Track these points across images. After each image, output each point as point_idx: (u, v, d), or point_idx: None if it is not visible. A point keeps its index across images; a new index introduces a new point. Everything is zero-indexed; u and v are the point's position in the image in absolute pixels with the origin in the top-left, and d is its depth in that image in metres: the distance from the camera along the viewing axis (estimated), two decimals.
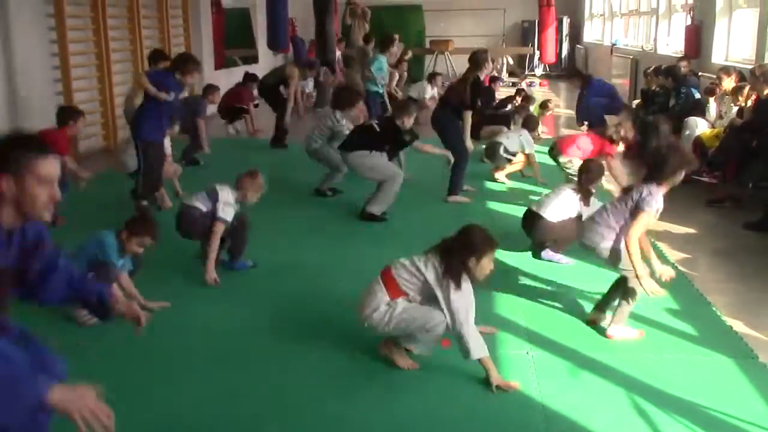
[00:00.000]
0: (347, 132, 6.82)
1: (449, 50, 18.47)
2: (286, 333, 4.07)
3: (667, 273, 4.08)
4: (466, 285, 3.44)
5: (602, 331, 4.04)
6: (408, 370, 3.60)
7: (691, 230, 5.99)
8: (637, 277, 3.81)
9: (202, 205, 4.92)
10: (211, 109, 9.44)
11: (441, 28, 20.00)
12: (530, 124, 8.06)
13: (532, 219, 5.18)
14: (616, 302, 4.04)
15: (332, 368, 3.67)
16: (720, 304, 4.44)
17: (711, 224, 6.20)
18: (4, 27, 7.71)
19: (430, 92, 11.80)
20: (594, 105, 10.30)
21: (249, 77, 10.95)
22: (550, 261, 5.17)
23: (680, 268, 5.07)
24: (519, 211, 6.44)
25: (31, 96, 8.03)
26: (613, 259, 3.98)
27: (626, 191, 4.03)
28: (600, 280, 4.46)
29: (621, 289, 4.03)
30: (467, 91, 6.66)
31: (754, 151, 6.65)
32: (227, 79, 12.13)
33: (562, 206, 5.06)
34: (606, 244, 3.97)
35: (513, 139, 7.79)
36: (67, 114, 6.28)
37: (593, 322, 4.15)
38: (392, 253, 4.07)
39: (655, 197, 3.84)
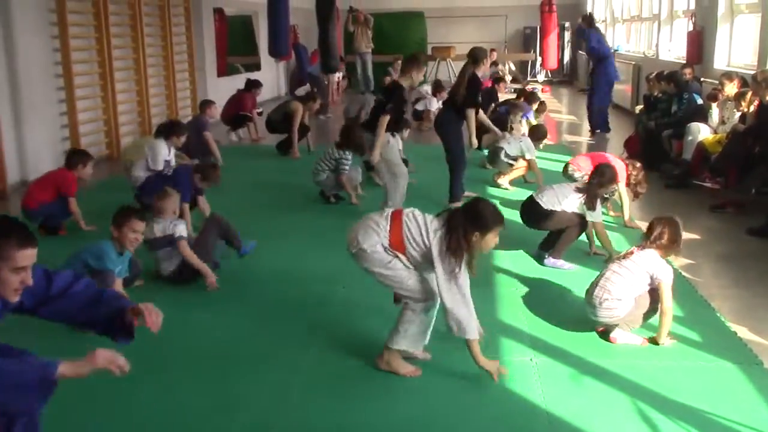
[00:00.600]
0: (347, 168, 7.00)
1: (451, 57, 18.49)
2: (287, 339, 4.06)
3: None
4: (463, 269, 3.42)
5: (607, 336, 4.04)
6: (410, 377, 3.59)
7: (695, 236, 5.98)
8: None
9: (179, 248, 4.87)
10: (212, 122, 9.45)
11: (443, 35, 20.05)
12: (537, 133, 8.08)
13: (530, 207, 5.24)
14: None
15: (334, 374, 3.66)
16: (724, 309, 4.43)
17: (714, 230, 6.19)
18: (8, 35, 7.74)
19: (436, 105, 11.81)
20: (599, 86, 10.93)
21: (251, 83, 10.98)
22: (554, 267, 5.16)
23: (684, 273, 5.06)
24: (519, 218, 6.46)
25: (34, 103, 8.05)
26: (631, 322, 3.99)
27: (625, 258, 4.01)
28: None
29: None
30: (463, 86, 6.62)
31: (757, 156, 6.64)
32: (229, 86, 12.17)
33: (560, 197, 5.09)
34: (624, 312, 3.93)
35: (514, 144, 7.80)
36: (78, 157, 6.32)
37: (598, 330, 4.14)
38: None
39: (662, 264, 3.92)
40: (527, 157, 7.68)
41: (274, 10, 12.02)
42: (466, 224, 3.41)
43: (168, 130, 7.11)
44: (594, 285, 4.01)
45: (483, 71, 7.12)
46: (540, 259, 5.29)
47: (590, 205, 5.05)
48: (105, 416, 3.33)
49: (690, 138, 7.72)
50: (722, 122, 7.72)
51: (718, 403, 3.35)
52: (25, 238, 2.29)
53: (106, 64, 9.44)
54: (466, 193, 7.03)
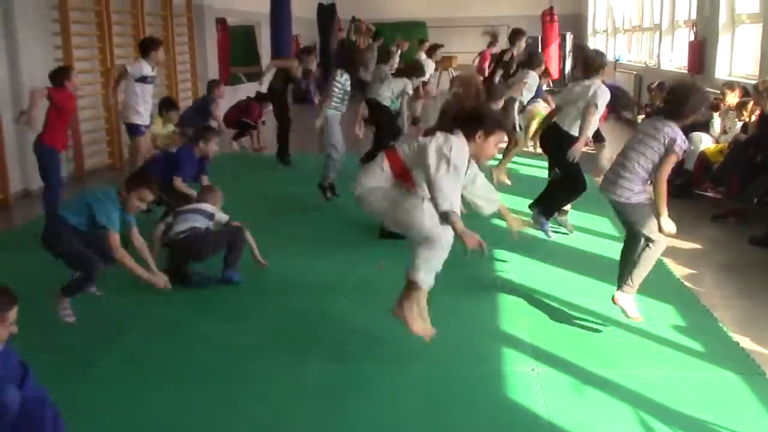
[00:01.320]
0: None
1: (453, 66, 18.53)
2: (288, 349, 4.06)
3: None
4: (461, 141, 3.46)
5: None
6: (420, 335, 3.68)
7: (697, 245, 5.97)
8: (659, 216, 3.91)
9: (200, 224, 5.05)
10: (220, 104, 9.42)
11: (444, 45, 20.07)
12: (533, 60, 7.98)
13: (551, 133, 5.54)
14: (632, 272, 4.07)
15: (336, 385, 3.65)
16: (726, 319, 4.42)
17: (716, 239, 6.19)
18: (11, 43, 7.76)
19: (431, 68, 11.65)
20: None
21: (261, 97, 10.99)
22: (537, 228, 5.53)
23: (686, 283, 5.05)
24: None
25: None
26: (640, 216, 3.98)
27: (646, 131, 3.98)
28: (605, 295, 4.45)
29: (632, 250, 4.09)
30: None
31: (759, 166, 6.64)
32: (232, 96, 12.18)
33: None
34: (638, 198, 3.95)
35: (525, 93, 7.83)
36: (61, 73, 6.31)
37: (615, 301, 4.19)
38: (395, 269, 4.06)
39: (682, 137, 3.86)
40: (530, 93, 7.74)
41: (277, 21, 12.07)
42: (470, 121, 3.47)
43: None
44: (615, 162, 4.10)
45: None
46: (532, 210, 5.67)
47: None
48: (107, 429, 3.32)
49: (692, 148, 7.71)
50: (724, 132, 7.72)
51: (720, 414, 3.34)
52: (8, 302, 2.60)
53: (108, 73, 9.45)
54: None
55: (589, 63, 5.51)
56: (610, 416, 3.35)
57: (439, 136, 3.49)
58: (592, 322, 4.37)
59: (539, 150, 7.32)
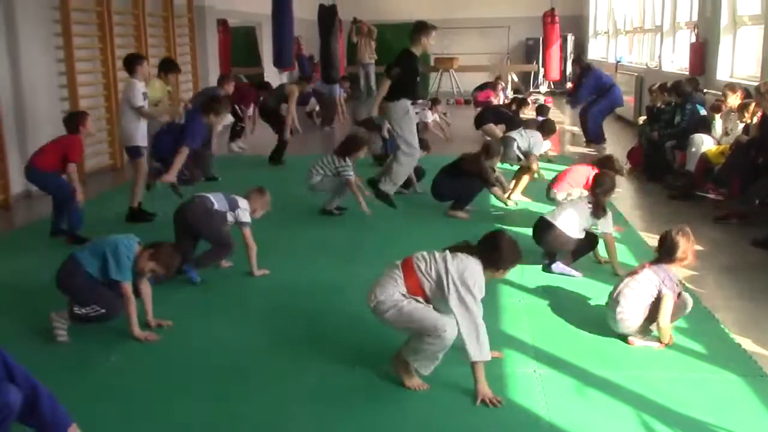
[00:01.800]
0: (352, 173, 6.90)
1: (454, 68, 18.54)
2: (289, 351, 4.05)
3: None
4: (479, 268, 3.48)
5: (626, 338, 4.10)
6: (416, 390, 3.57)
7: (698, 247, 5.92)
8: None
9: (216, 203, 5.08)
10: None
11: (445, 46, 20.09)
12: (546, 127, 8.18)
13: (543, 228, 5.21)
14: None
15: (337, 388, 3.64)
16: (728, 321, 4.41)
17: (718, 241, 6.17)
18: (12, 45, 7.77)
19: (431, 117, 11.86)
20: (594, 112, 11.09)
21: (265, 85, 11.01)
22: (561, 274, 5.17)
23: (688, 285, 5.04)
24: (524, 230, 6.45)
25: (38, 114, 8.08)
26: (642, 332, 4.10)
27: (638, 272, 4.12)
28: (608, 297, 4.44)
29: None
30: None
31: (760, 167, 6.63)
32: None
33: (574, 216, 5.11)
34: (637, 323, 4.06)
35: (525, 137, 7.86)
36: (76, 118, 6.34)
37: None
38: None
39: (674, 279, 4.02)
40: (534, 151, 7.70)
41: (278, 22, 12.06)
42: (485, 261, 3.50)
43: (131, 63, 7.05)
44: (611, 298, 4.15)
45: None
46: (547, 266, 5.28)
47: (597, 214, 5.09)
48: (108, 431, 3.32)
49: (693, 149, 7.71)
50: (725, 133, 7.71)
51: (722, 416, 3.33)
52: None
53: (110, 75, 9.47)
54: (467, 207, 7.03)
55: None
56: (611, 418, 3.34)
57: (460, 265, 3.44)
58: (594, 323, 4.36)
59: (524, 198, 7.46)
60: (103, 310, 4.13)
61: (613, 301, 4.11)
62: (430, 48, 6.58)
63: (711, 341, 4.13)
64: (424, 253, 3.56)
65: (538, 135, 7.99)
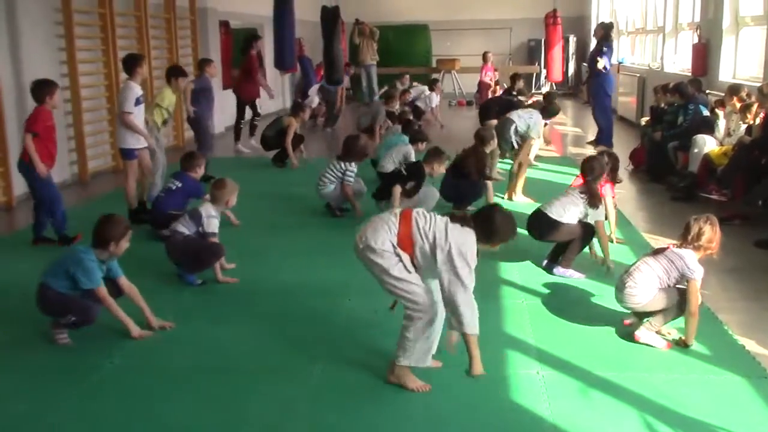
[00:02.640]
0: (352, 179, 6.97)
1: (456, 69, 18.53)
2: (293, 352, 4.05)
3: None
4: (473, 238, 3.43)
5: (627, 334, 4.11)
6: (419, 392, 3.57)
7: None
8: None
9: (185, 228, 5.17)
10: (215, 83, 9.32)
11: (448, 47, 20.11)
12: (550, 109, 8.18)
13: (537, 218, 5.23)
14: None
15: (340, 388, 3.64)
16: (732, 322, 4.40)
17: (721, 242, 6.12)
18: (15, 47, 7.78)
19: (436, 100, 11.87)
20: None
21: (251, 38, 11.06)
22: (564, 277, 5.15)
23: None
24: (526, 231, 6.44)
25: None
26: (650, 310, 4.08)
27: (659, 252, 4.13)
28: (611, 298, 4.43)
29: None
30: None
31: (764, 168, 6.62)
32: (234, 98, 12.17)
33: (568, 206, 5.11)
34: (644, 301, 4.04)
35: (524, 119, 7.80)
36: (42, 88, 5.98)
37: (626, 324, 4.22)
38: None
39: (696, 263, 4.00)
40: (531, 135, 7.65)
41: (280, 23, 12.06)
42: (480, 235, 3.44)
43: (131, 64, 6.94)
44: (626, 271, 4.14)
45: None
46: (549, 270, 5.28)
47: (592, 202, 5.09)
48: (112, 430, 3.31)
49: (696, 150, 7.70)
50: (728, 134, 7.70)
51: (726, 417, 3.32)
52: None
53: (112, 76, 9.47)
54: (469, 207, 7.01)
55: None
56: (614, 419, 3.33)
57: (459, 236, 3.40)
58: (597, 325, 4.35)
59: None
60: (79, 317, 4.11)
61: (627, 274, 4.10)
62: (439, 172, 6.70)
63: (714, 342, 4.12)
64: (425, 211, 3.51)
65: (537, 115, 7.85)
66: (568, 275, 5.17)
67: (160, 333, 4.30)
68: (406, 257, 3.42)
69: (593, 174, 5.20)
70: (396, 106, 11.57)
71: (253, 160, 10.41)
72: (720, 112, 7.91)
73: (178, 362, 3.95)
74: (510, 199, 7.55)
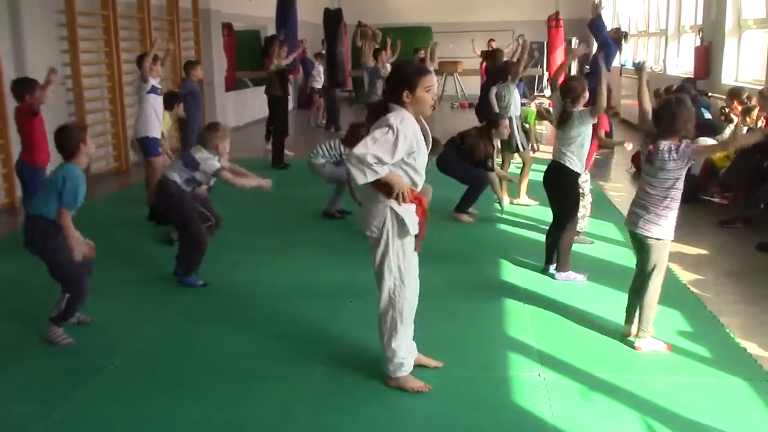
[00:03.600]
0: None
1: (458, 71, 18.54)
2: (294, 355, 4.05)
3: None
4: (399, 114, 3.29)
5: (631, 345, 4.06)
6: (419, 392, 3.57)
7: (703, 251, 5.95)
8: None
9: (177, 176, 4.98)
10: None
11: (450, 50, 20.11)
12: (511, 69, 8.03)
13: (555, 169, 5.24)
14: (638, 310, 4.07)
15: (341, 391, 3.64)
16: (733, 325, 4.40)
17: (723, 245, 6.16)
18: (18, 49, 7.80)
19: None
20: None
21: (271, 39, 10.75)
22: (567, 281, 5.15)
23: (692, 289, 5.03)
24: (532, 234, 6.46)
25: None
26: (654, 249, 3.97)
27: (650, 161, 3.93)
28: (612, 299, 4.44)
29: (638, 292, 4.05)
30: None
31: (765, 171, 6.62)
32: (237, 100, 12.21)
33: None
34: (659, 232, 3.94)
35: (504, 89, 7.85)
36: (22, 86, 5.91)
37: (626, 336, 4.16)
38: None
39: (683, 144, 3.84)
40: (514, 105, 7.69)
41: (283, 25, 12.08)
42: (393, 87, 3.33)
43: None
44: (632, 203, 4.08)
45: None
46: (548, 274, 5.28)
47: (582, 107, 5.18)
48: None
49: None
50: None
51: (728, 420, 3.32)
52: None
53: (115, 78, 9.50)
54: (471, 209, 7.01)
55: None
56: (616, 422, 3.33)
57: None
58: (598, 327, 4.35)
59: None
60: (72, 293, 4.15)
61: (640, 194, 4.00)
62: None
63: (716, 345, 4.12)
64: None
65: (513, 90, 7.81)
66: (572, 278, 5.17)
67: (159, 335, 4.31)
68: None
69: (573, 94, 5.17)
70: None
71: (252, 163, 10.39)
72: (735, 117, 7.86)
73: (180, 364, 3.95)
74: (510, 202, 7.57)
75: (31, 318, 4.54)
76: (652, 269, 3.97)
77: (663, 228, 3.94)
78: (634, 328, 4.14)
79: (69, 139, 4.11)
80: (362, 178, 3.22)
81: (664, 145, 3.83)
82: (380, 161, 3.19)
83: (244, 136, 12.48)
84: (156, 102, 6.87)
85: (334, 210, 7.10)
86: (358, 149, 3.19)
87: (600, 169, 9.32)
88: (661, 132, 3.88)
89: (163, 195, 5.03)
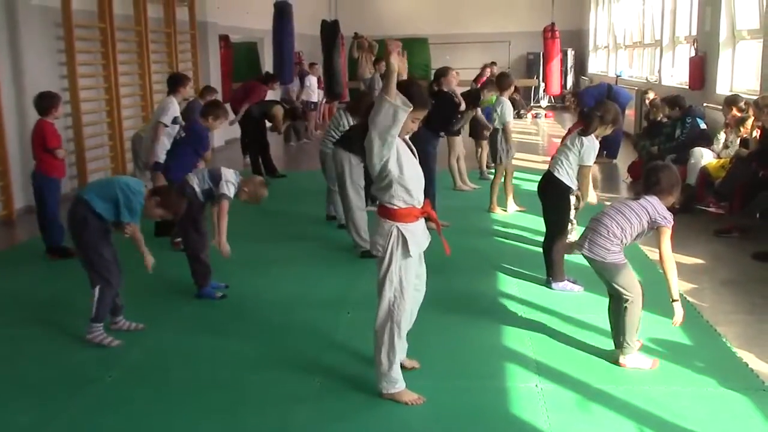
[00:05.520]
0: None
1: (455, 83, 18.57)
2: (292, 366, 4.05)
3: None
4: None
5: (617, 362, 4.03)
6: (413, 405, 3.57)
7: (700, 261, 5.97)
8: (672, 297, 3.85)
9: (196, 184, 5.03)
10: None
11: (446, 61, 20.17)
12: (502, 82, 8.20)
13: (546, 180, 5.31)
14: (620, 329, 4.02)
15: (339, 402, 3.64)
16: (730, 335, 4.41)
17: (719, 255, 6.19)
18: (16, 61, 7.83)
19: None
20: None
21: (270, 77, 10.93)
22: (563, 291, 5.17)
23: (689, 298, 5.05)
24: (524, 244, 6.47)
25: None
26: (612, 273, 3.94)
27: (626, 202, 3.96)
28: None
29: (617, 311, 4.02)
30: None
31: (761, 181, 6.65)
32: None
33: (568, 156, 5.21)
34: (612, 258, 3.92)
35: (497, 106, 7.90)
36: (47, 101, 6.13)
37: (617, 362, 4.08)
38: None
39: (664, 209, 3.87)
40: (507, 118, 7.67)
41: (280, 37, 12.13)
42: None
43: (175, 82, 7.14)
44: (592, 219, 4.06)
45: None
46: (547, 286, 5.29)
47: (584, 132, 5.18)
48: None
49: (692, 161, 7.74)
50: (725, 146, 7.74)
51: (724, 429, 3.33)
52: None
53: (112, 90, 9.52)
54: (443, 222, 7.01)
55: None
56: None
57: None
58: (596, 338, 4.36)
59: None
60: (101, 283, 4.26)
61: (595, 221, 3.99)
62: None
63: (712, 355, 4.13)
64: None
65: (505, 102, 7.85)
66: (568, 289, 5.18)
67: (156, 345, 4.32)
68: None
69: (592, 126, 5.18)
70: None
71: (244, 174, 10.39)
72: (724, 132, 7.88)
73: (177, 375, 3.95)
74: (491, 210, 7.68)
75: (30, 330, 4.55)
76: (626, 294, 3.92)
77: (612, 254, 3.92)
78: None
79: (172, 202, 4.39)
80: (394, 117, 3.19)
81: (647, 204, 3.87)
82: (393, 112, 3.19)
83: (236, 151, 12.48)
84: (173, 130, 6.86)
85: (333, 211, 7.16)
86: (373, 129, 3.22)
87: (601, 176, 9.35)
88: (646, 189, 3.94)
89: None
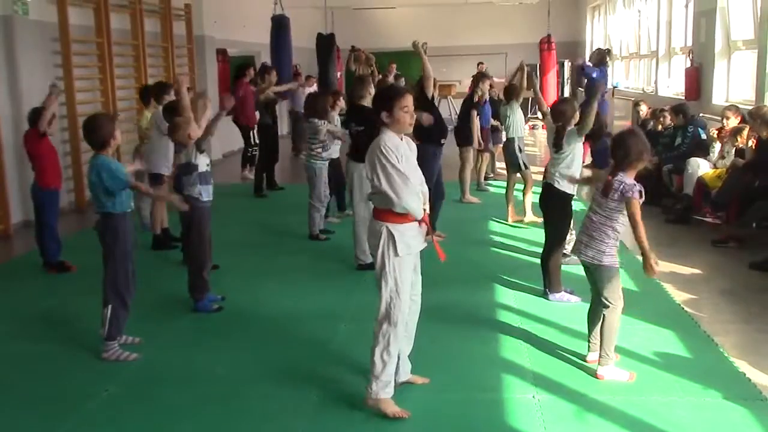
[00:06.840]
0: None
1: (452, 95, 18.65)
2: (288, 379, 4.04)
3: None
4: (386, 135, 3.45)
5: (593, 372, 4.00)
6: (396, 417, 3.52)
7: (697, 271, 5.97)
8: (645, 254, 3.72)
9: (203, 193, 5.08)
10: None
11: (444, 73, 20.24)
12: (512, 93, 8.41)
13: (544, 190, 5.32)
14: (598, 338, 4.01)
15: (335, 416, 3.63)
16: (727, 345, 4.40)
17: (716, 264, 6.18)
18: (11, 68, 7.85)
19: None
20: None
21: (243, 68, 10.86)
22: (560, 302, 5.15)
23: (686, 308, 5.04)
24: (522, 255, 6.47)
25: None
26: (604, 278, 3.92)
27: (605, 193, 3.89)
28: None
29: (595, 316, 4.01)
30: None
31: (757, 190, 6.66)
32: (230, 125, 12.21)
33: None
34: (608, 261, 3.90)
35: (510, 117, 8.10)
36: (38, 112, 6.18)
37: (587, 362, 4.11)
38: None
39: (633, 183, 3.79)
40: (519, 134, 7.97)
41: (277, 50, 12.17)
42: (376, 112, 3.50)
43: (157, 92, 7.14)
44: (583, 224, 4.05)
45: None
46: (544, 297, 5.29)
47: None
48: None
49: (689, 171, 7.75)
50: (721, 157, 7.75)
51: None
52: None
53: (110, 104, 9.53)
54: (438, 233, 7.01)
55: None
56: None
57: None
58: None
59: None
60: (114, 303, 4.27)
61: (584, 226, 3.98)
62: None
63: (710, 365, 4.12)
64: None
65: (518, 111, 8.10)
66: (565, 300, 5.17)
67: (153, 361, 4.30)
68: None
69: (564, 118, 5.19)
70: None
71: (238, 188, 10.40)
72: (719, 141, 7.88)
73: (173, 389, 3.94)
74: (511, 220, 7.68)
75: (26, 345, 4.53)
76: (608, 301, 3.90)
77: (607, 255, 3.90)
78: (595, 356, 4.06)
79: (103, 129, 4.47)
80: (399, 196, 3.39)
81: (618, 182, 3.81)
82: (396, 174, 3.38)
83: (235, 164, 12.49)
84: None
85: (317, 232, 7.17)
86: (387, 191, 3.38)
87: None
88: (617, 164, 3.88)
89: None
